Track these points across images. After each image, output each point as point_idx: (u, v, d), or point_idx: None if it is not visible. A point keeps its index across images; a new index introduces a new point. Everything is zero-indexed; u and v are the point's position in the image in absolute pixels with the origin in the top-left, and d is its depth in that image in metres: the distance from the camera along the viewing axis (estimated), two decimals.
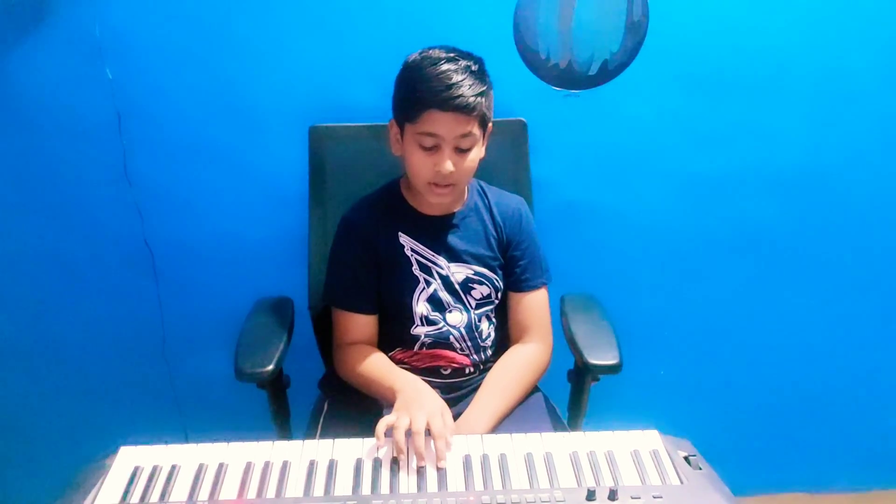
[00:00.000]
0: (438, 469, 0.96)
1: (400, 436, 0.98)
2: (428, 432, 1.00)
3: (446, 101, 1.12)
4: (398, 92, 1.21)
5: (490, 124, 1.23)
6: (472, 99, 1.13)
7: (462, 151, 1.17)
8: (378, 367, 1.23)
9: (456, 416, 1.16)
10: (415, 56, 1.19)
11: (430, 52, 1.18)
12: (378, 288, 1.28)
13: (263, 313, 1.40)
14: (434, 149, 1.16)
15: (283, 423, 1.35)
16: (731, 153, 1.61)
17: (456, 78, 1.12)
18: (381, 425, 1.00)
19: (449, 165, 1.16)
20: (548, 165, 1.53)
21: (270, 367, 1.20)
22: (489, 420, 1.18)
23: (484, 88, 1.16)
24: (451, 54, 1.17)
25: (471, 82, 1.13)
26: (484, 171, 1.35)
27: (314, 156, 1.44)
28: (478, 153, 1.21)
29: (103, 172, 1.55)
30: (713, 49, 1.52)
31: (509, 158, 1.45)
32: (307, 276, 1.44)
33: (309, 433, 1.29)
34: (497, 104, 1.24)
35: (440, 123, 1.14)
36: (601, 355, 1.23)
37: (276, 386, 1.31)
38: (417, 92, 1.14)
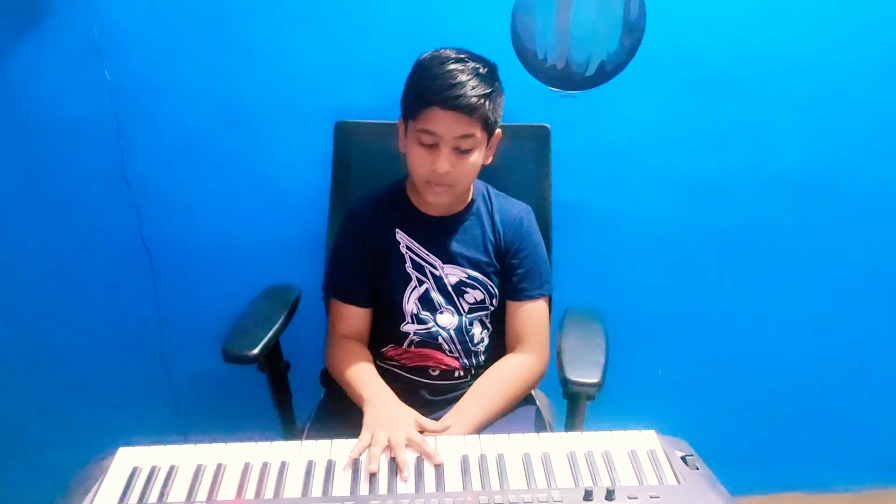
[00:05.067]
0: (436, 466, 0.96)
1: (377, 452, 0.97)
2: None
3: (447, 99, 1.12)
4: (405, 88, 1.21)
5: (499, 130, 1.23)
6: (473, 99, 1.12)
7: (462, 153, 1.17)
8: (357, 370, 1.22)
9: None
10: (426, 55, 1.19)
11: (442, 51, 1.18)
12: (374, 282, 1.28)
13: (264, 300, 1.41)
14: (433, 147, 1.16)
15: (284, 408, 1.36)
16: (729, 154, 1.61)
17: (461, 78, 1.12)
18: (356, 452, 0.98)
19: (445, 165, 1.15)
20: None
21: (255, 351, 1.20)
22: (468, 426, 1.15)
23: (489, 91, 1.15)
24: (462, 56, 1.16)
25: (475, 83, 1.13)
26: (504, 176, 1.35)
27: (339, 151, 1.44)
28: (479, 157, 1.20)
29: (101, 174, 1.55)
30: (710, 49, 1.52)
31: (531, 165, 1.44)
32: (323, 269, 1.43)
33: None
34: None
35: (440, 122, 1.14)
36: (582, 373, 1.16)
37: (274, 369, 1.32)
38: (421, 89, 1.15)
